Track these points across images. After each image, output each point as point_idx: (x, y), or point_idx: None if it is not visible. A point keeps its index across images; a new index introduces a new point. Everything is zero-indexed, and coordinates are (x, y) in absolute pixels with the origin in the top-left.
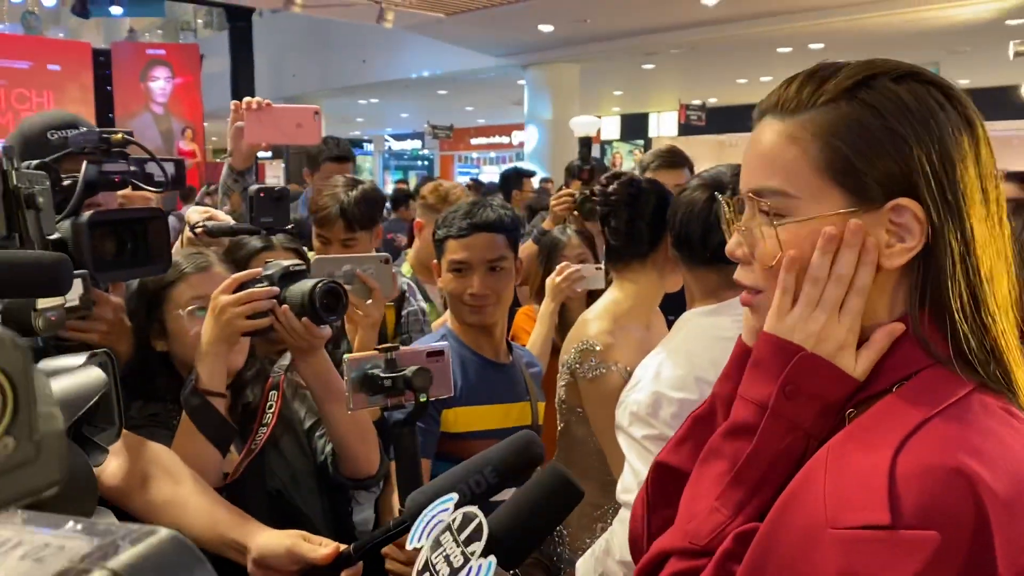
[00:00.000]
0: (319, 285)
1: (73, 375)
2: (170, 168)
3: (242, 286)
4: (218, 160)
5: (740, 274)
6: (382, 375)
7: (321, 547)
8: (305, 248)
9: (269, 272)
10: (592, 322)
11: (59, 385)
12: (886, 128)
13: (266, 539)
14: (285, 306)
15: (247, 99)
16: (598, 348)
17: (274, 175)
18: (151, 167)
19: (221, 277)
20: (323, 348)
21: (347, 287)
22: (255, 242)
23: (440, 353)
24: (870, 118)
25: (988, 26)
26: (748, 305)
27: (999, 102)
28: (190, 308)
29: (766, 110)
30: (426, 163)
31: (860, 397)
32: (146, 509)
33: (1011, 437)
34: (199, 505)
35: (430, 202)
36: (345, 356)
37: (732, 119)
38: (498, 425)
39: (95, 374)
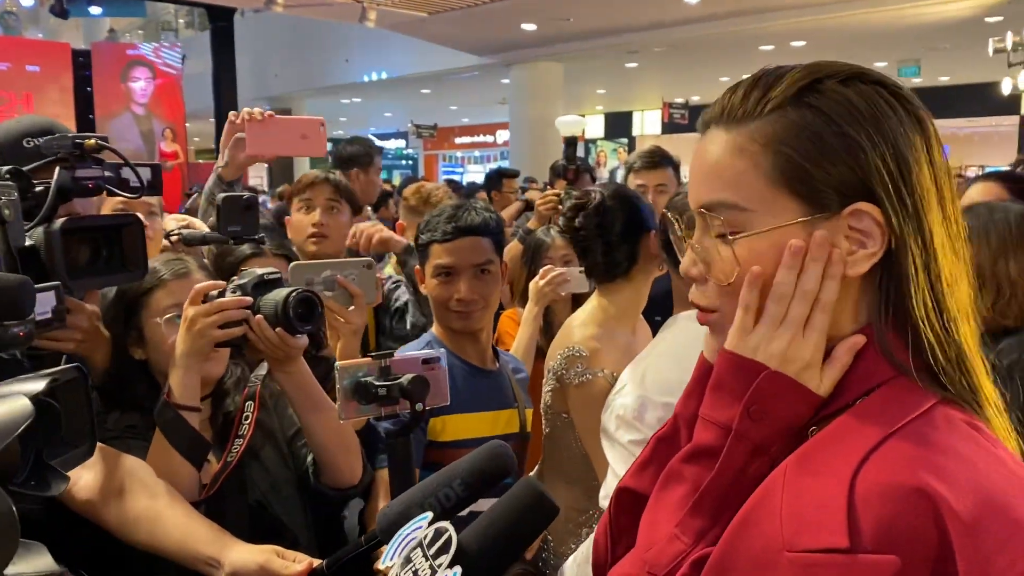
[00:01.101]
0: (292, 294)
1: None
2: (145, 173)
3: (219, 295)
4: (200, 161)
5: (695, 295)
6: (376, 383)
7: (295, 563)
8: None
9: (242, 281)
10: (578, 328)
11: None
12: (838, 133)
13: (239, 555)
14: (259, 316)
15: (247, 109)
16: (584, 354)
17: (257, 176)
18: (126, 172)
19: (199, 283)
20: (301, 358)
21: (328, 294)
22: (244, 248)
23: (435, 360)
24: (820, 123)
25: (967, 23)
26: (705, 324)
27: (979, 98)
28: (168, 316)
29: (710, 120)
30: (410, 162)
31: (823, 413)
32: (120, 523)
33: (975, 454)
34: (173, 520)
35: (412, 204)
36: (337, 363)
37: None
38: (487, 433)
39: (18, 407)
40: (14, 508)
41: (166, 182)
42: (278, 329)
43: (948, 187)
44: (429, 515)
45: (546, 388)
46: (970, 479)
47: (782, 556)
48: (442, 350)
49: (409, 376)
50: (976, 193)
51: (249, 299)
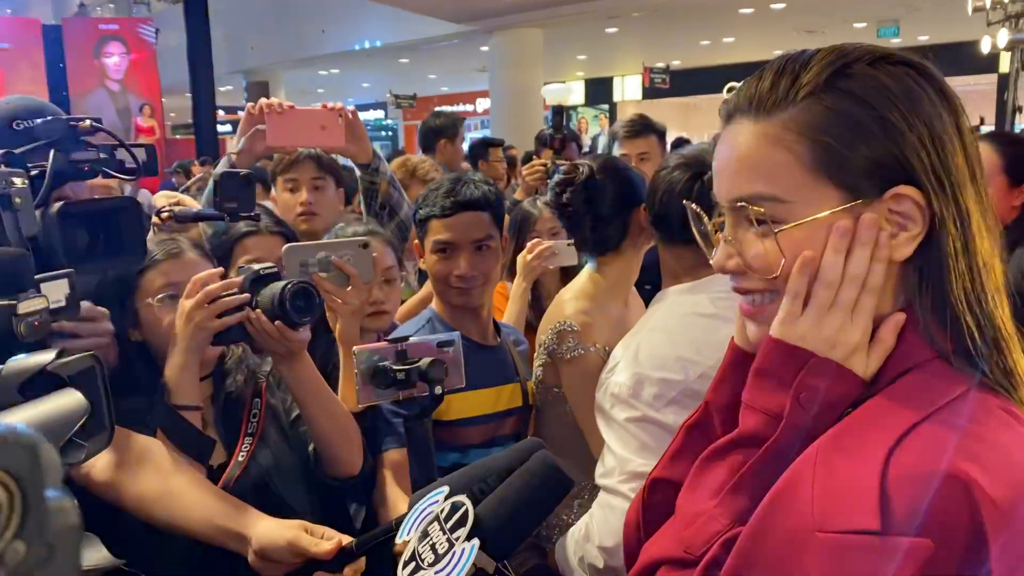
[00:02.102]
0: (288, 286)
1: (53, 401)
2: (141, 154)
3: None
4: (178, 137)
5: (740, 282)
6: (394, 367)
7: (324, 540)
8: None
9: (239, 278)
10: (569, 302)
11: (38, 412)
12: (875, 117)
13: (266, 530)
14: (258, 311)
15: (265, 100)
16: (576, 328)
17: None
18: (121, 154)
19: (193, 263)
20: (305, 352)
21: (324, 275)
22: (240, 226)
23: (450, 343)
24: (857, 108)
25: None
26: (750, 316)
27: (958, 57)
28: (160, 296)
29: (736, 111)
30: (390, 133)
31: (862, 395)
32: (139, 503)
33: (1011, 441)
34: (195, 496)
35: (398, 178)
36: (354, 348)
37: (696, 81)
38: (490, 409)
39: (76, 399)
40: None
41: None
42: (277, 322)
43: (979, 163)
44: (445, 489)
45: (537, 363)
46: (1005, 465)
47: (813, 537)
48: (456, 333)
49: (428, 360)
50: None
51: (247, 296)
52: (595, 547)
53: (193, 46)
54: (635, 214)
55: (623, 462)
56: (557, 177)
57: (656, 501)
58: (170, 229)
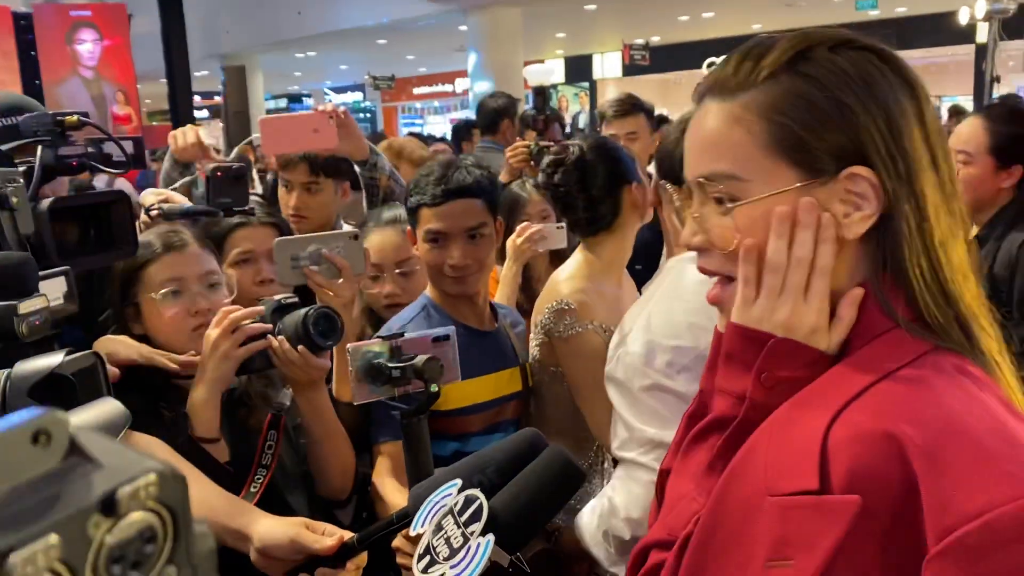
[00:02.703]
0: (311, 312)
1: (98, 409)
2: (128, 147)
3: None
4: (154, 123)
5: (703, 261)
6: (389, 364)
7: (325, 537)
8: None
9: (261, 307)
10: (565, 282)
11: (90, 417)
12: (830, 99)
13: (269, 528)
14: (281, 337)
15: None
16: (573, 307)
17: (212, 136)
18: (109, 147)
19: (196, 257)
20: (323, 382)
21: (315, 268)
22: (231, 218)
23: (446, 338)
24: (813, 90)
25: None
26: (716, 303)
27: (936, 28)
28: (163, 291)
29: (705, 92)
30: (369, 115)
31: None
32: None
33: (953, 396)
34: (196, 495)
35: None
36: (348, 346)
37: (676, 57)
38: (491, 396)
39: (117, 409)
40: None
41: None
42: (300, 347)
43: (941, 148)
44: (458, 482)
45: (533, 343)
46: (941, 419)
47: (764, 500)
48: (451, 327)
49: (423, 358)
50: (965, 130)
51: (269, 326)
52: (621, 520)
53: (167, 31)
54: (626, 192)
55: (639, 432)
56: (548, 158)
57: (662, 491)
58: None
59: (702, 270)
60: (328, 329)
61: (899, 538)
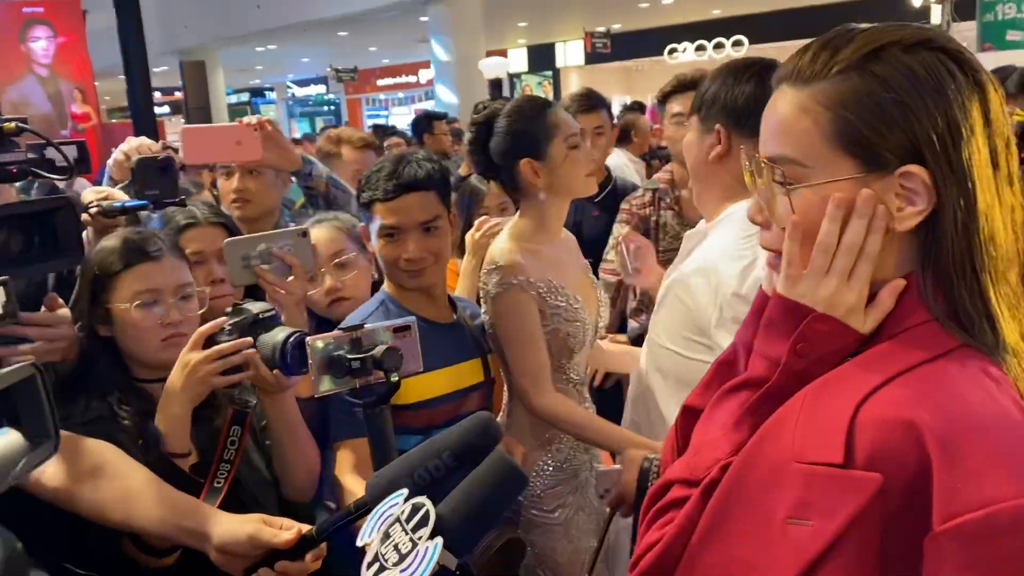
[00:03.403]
0: (291, 339)
1: None
2: (71, 152)
3: (210, 339)
4: (114, 121)
5: (763, 238)
6: (348, 356)
7: (283, 531)
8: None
9: (237, 319)
10: (495, 246)
11: None
12: (896, 101)
13: (227, 526)
14: (254, 350)
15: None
16: (500, 264)
17: (173, 132)
18: (51, 153)
19: (172, 267)
20: (291, 391)
21: (265, 267)
22: (179, 219)
23: (407, 328)
24: (879, 90)
25: None
26: (774, 268)
27: (891, 11)
28: (137, 303)
29: (783, 78)
30: (333, 108)
31: (860, 348)
32: (94, 507)
33: (975, 393)
34: (152, 497)
35: (327, 149)
36: (307, 339)
37: (637, 44)
38: (452, 388)
39: (13, 441)
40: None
41: None
42: (276, 371)
43: (1004, 150)
44: (404, 492)
45: (485, 316)
46: (959, 414)
47: (791, 465)
48: (411, 318)
49: (382, 348)
50: None
51: (249, 340)
52: None
53: (124, 26)
54: (523, 164)
55: None
56: (473, 116)
57: (686, 424)
58: (100, 225)
59: (763, 245)
60: (304, 358)
61: (907, 516)
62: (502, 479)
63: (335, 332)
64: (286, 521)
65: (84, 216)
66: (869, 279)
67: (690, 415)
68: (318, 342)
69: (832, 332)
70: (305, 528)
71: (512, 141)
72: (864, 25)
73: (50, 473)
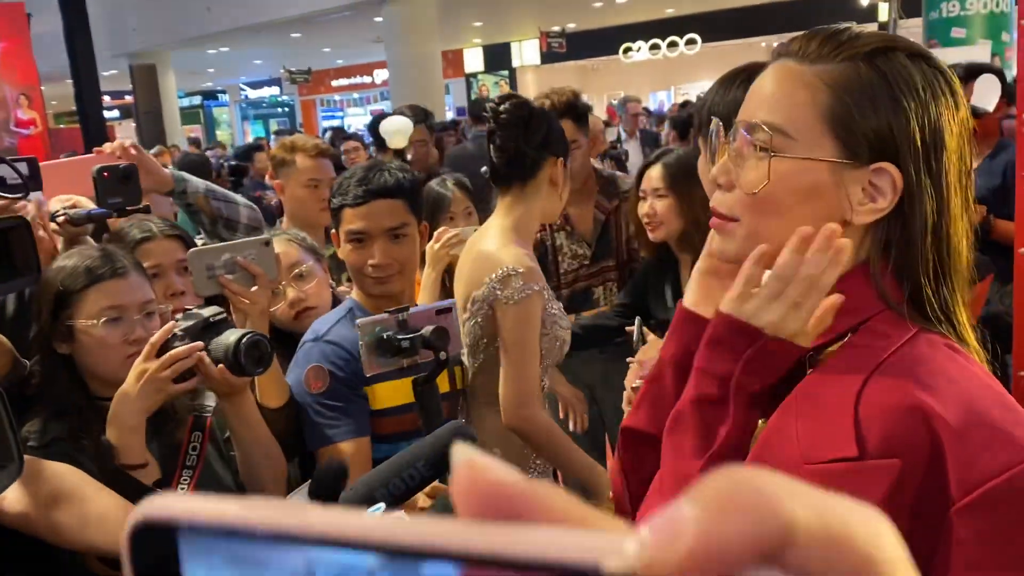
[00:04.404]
0: (244, 339)
1: None
2: (23, 168)
3: (163, 346)
4: (61, 126)
5: (717, 200)
6: (398, 337)
7: None
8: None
9: (188, 324)
10: (501, 250)
11: None
12: (892, 97)
13: None
14: (202, 353)
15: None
16: (520, 270)
17: (125, 136)
18: (2, 170)
19: (137, 285)
20: (247, 389)
21: (230, 276)
22: (134, 233)
23: (448, 310)
24: (880, 83)
25: None
26: (719, 229)
27: (839, 10)
28: (103, 319)
29: (783, 53)
30: (287, 109)
31: (817, 343)
32: (56, 532)
33: (955, 370)
34: (118, 519)
35: (280, 157)
36: (357, 321)
37: (592, 44)
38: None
39: None
40: None
41: (24, 150)
42: (220, 366)
43: (967, 176)
44: (382, 506)
45: (470, 322)
46: (954, 392)
47: (802, 468)
48: (452, 300)
49: (430, 328)
50: None
51: (200, 344)
52: None
53: (70, 30)
54: (550, 162)
55: None
56: (504, 95)
57: (626, 446)
58: (70, 234)
59: (714, 210)
60: (258, 357)
61: (929, 494)
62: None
63: (382, 315)
64: None
65: (52, 224)
66: (815, 308)
67: (630, 437)
68: (368, 324)
69: (781, 352)
70: None
71: (558, 139)
72: (872, 30)
73: (11, 499)
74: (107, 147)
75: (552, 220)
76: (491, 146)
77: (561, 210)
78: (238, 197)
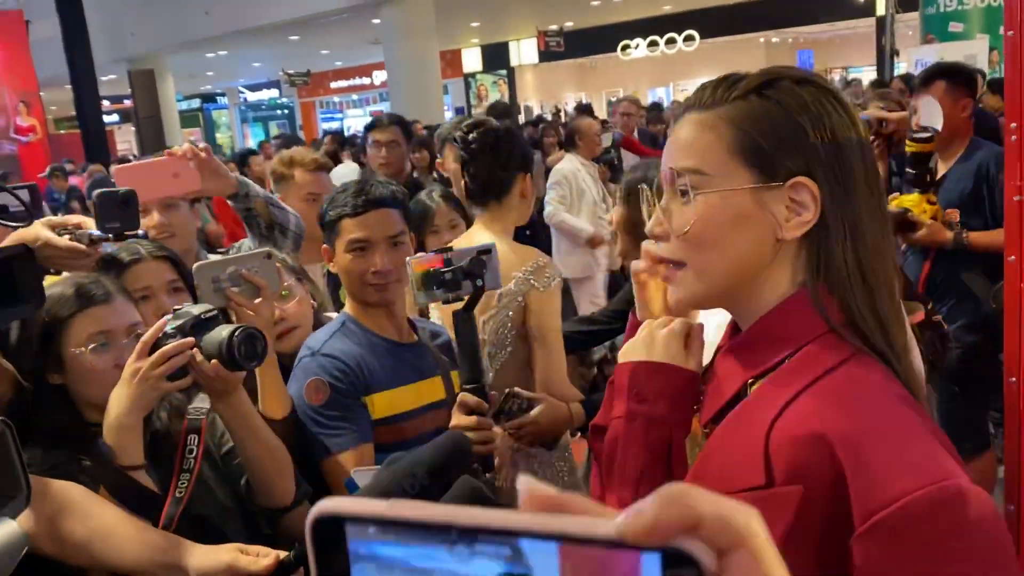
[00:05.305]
0: (236, 333)
1: None
2: (24, 195)
3: (154, 344)
4: (62, 132)
5: (658, 249)
6: (442, 270)
7: (260, 557)
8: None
9: (180, 322)
10: (517, 247)
11: None
12: (789, 119)
13: (204, 558)
14: (195, 350)
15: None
16: (547, 261)
17: (125, 141)
18: (3, 198)
19: (122, 309)
20: (241, 388)
21: (235, 289)
22: (123, 256)
23: (488, 251)
24: (775, 110)
25: None
26: (670, 280)
27: (837, 4)
28: (92, 346)
29: (686, 108)
30: (286, 111)
31: (761, 369)
32: (63, 550)
33: (872, 396)
34: (125, 534)
35: (280, 172)
36: (408, 259)
37: (590, 41)
38: (413, 405)
39: (11, 532)
40: None
41: (25, 157)
42: (214, 362)
43: (875, 175)
44: None
45: (500, 316)
46: (863, 418)
47: None
48: (492, 242)
49: (468, 258)
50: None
51: (191, 340)
52: None
53: (68, 35)
54: (520, 178)
55: None
56: (468, 122)
57: (595, 443)
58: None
59: (658, 256)
60: (252, 351)
61: (835, 520)
62: (469, 503)
63: (428, 254)
64: (262, 549)
65: (65, 239)
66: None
67: (597, 434)
68: (414, 261)
69: (656, 373)
70: (283, 554)
71: (522, 157)
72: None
73: (19, 519)
74: (176, 149)
75: (523, 223)
76: (465, 172)
77: (530, 215)
78: (286, 206)
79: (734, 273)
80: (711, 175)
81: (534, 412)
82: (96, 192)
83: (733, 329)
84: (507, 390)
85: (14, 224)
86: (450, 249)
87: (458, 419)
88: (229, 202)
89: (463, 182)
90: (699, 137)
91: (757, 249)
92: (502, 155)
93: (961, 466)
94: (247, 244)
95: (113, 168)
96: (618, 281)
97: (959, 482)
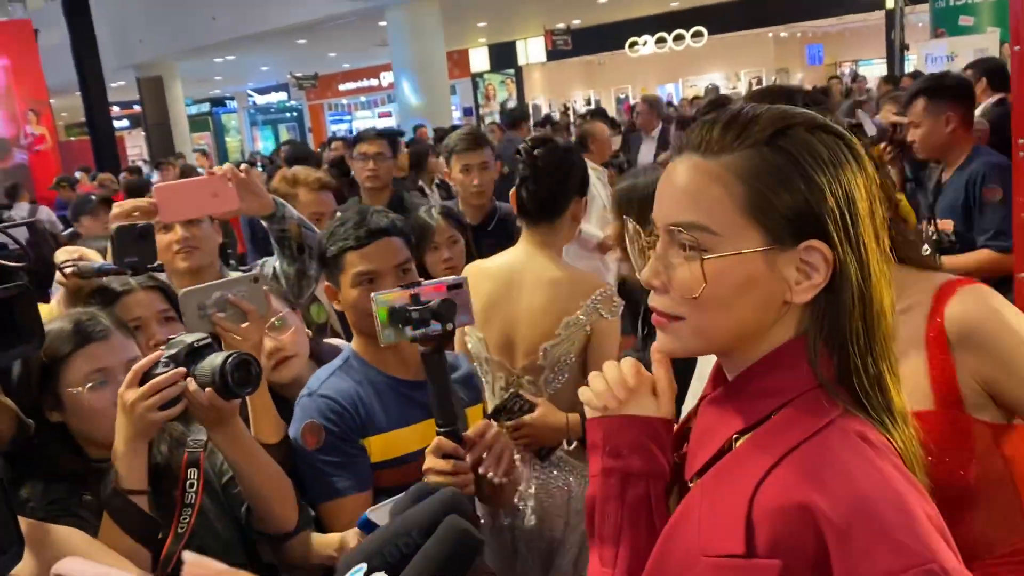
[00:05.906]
0: (229, 359)
1: None
2: (21, 233)
3: (146, 374)
4: (72, 139)
5: (656, 301)
6: (409, 308)
7: None
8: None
9: (173, 352)
10: (583, 274)
11: None
12: (802, 174)
13: None
14: (190, 379)
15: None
16: (612, 291)
17: (135, 146)
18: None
19: (120, 345)
20: (237, 416)
21: (221, 314)
22: (115, 286)
23: (459, 285)
24: (789, 164)
25: None
26: (663, 328)
27: None
28: (89, 384)
29: (686, 147)
30: (295, 114)
31: (747, 424)
32: None
33: (857, 466)
34: None
35: (283, 191)
36: (372, 294)
37: (598, 39)
38: (415, 447)
39: None
40: None
41: (37, 167)
42: (208, 390)
43: (880, 219)
44: (364, 567)
45: (565, 344)
46: (846, 490)
47: (699, 559)
48: (464, 276)
49: (438, 299)
50: None
51: (183, 370)
52: None
53: (77, 43)
54: (575, 201)
55: None
56: (535, 136)
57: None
58: (74, 286)
59: (653, 308)
60: (246, 377)
61: None
62: (456, 546)
63: (395, 289)
64: None
65: (58, 277)
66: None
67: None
68: (380, 296)
69: (624, 427)
70: None
71: (581, 180)
72: (765, 106)
73: (18, 565)
74: (217, 169)
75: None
76: (524, 188)
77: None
78: (314, 227)
79: (735, 334)
80: (720, 235)
81: (532, 415)
82: (115, 227)
83: (717, 374)
84: (511, 390)
85: (14, 264)
86: (419, 283)
87: (432, 462)
88: (264, 223)
89: (519, 196)
90: (705, 189)
91: (763, 312)
92: (564, 176)
93: (950, 543)
94: (272, 263)
95: (154, 186)
96: (627, 287)
97: (945, 564)
